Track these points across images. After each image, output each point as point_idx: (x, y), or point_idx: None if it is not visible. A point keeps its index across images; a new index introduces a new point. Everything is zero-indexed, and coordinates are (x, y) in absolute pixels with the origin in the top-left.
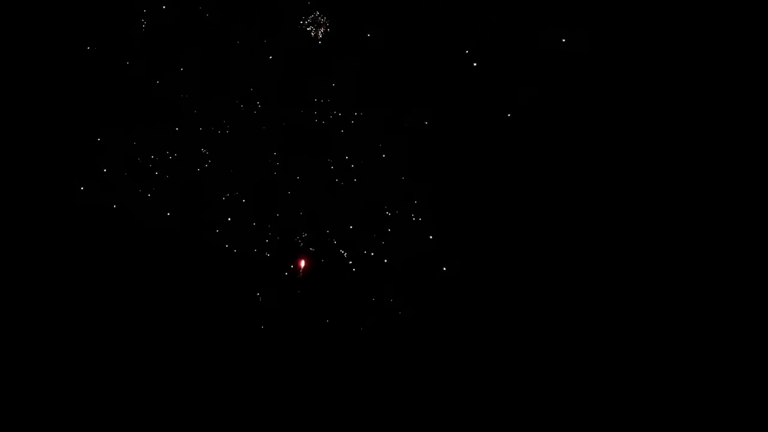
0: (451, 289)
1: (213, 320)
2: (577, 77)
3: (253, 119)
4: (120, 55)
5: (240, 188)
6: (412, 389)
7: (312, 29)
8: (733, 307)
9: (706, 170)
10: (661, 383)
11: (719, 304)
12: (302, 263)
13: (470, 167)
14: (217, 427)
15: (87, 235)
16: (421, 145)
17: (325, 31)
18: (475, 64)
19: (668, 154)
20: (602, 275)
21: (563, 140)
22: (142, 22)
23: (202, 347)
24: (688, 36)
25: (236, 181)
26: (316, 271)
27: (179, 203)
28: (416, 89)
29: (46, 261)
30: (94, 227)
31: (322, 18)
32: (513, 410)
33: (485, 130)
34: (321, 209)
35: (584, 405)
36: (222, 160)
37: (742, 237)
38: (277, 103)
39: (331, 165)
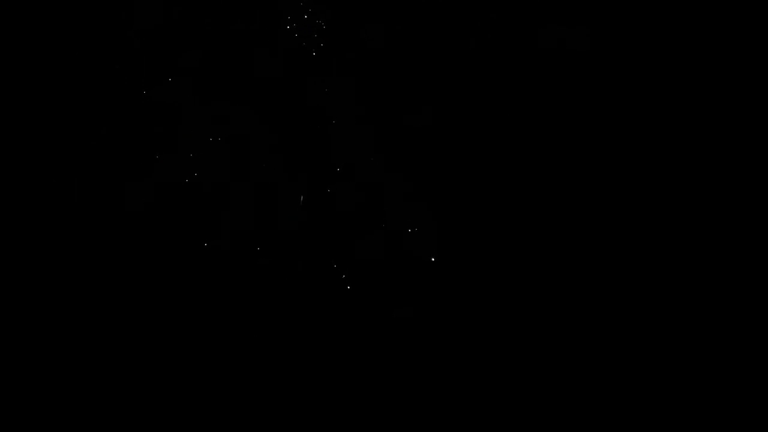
0: (449, 289)
1: (210, 322)
2: (577, 75)
3: (252, 119)
4: (119, 56)
5: (239, 188)
6: (410, 390)
7: (310, 28)
8: (733, 307)
9: (707, 169)
10: (661, 383)
11: (719, 304)
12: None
13: (471, 166)
14: (217, 427)
15: (86, 236)
16: (421, 145)
17: (323, 31)
18: (475, 63)
19: (669, 153)
20: (603, 275)
21: (564, 139)
22: (142, 23)
23: (200, 348)
24: (689, 34)
25: (235, 182)
26: (315, 272)
27: (178, 204)
28: (416, 88)
29: (46, 261)
30: (93, 227)
31: (320, 20)
32: (513, 410)
33: (485, 128)
34: (321, 209)
35: (584, 405)
36: (221, 161)
37: (742, 237)
38: (277, 103)
39: (331, 165)
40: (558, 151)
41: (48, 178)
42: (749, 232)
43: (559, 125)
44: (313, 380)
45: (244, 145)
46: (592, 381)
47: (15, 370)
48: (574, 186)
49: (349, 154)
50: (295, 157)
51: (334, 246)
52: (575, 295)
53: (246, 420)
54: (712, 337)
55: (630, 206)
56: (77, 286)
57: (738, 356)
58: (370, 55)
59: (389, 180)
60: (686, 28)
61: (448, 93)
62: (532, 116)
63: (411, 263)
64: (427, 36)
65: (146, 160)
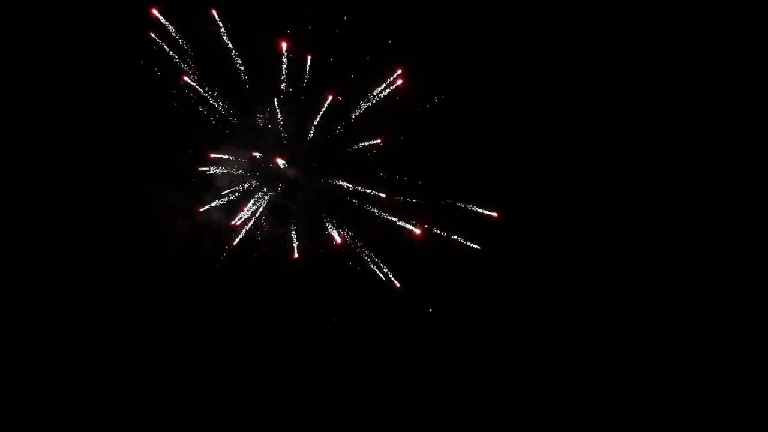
0: (447, 289)
1: (210, 320)
2: (577, 75)
3: (251, 119)
4: (119, 56)
5: (239, 187)
6: (408, 390)
7: (309, 30)
8: (733, 307)
9: (706, 168)
10: (661, 383)
11: (719, 304)
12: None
13: (471, 165)
14: (217, 427)
15: (87, 235)
16: (421, 144)
17: (323, 31)
18: (475, 63)
19: (668, 151)
20: (603, 274)
21: (564, 137)
22: (142, 23)
23: (200, 346)
24: (689, 34)
25: (236, 181)
26: (315, 272)
27: (178, 202)
28: (416, 88)
29: (46, 259)
30: (94, 227)
31: (320, 20)
32: (512, 410)
33: (486, 127)
34: (321, 208)
35: (584, 405)
36: (222, 159)
37: (742, 236)
38: (277, 103)
39: (332, 164)
40: (558, 149)
41: (48, 178)
42: (748, 230)
43: (559, 124)
44: (311, 379)
45: (244, 145)
46: (591, 379)
47: (15, 367)
48: (573, 183)
49: (349, 153)
50: (295, 156)
51: (331, 245)
52: (575, 295)
53: (246, 419)
54: (711, 336)
55: (629, 204)
56: (77, 283)
57: (737, 355)
58: (370, 55)
59: (389, 179)
60: (686, 28)
61: (447, 93)
62: (532, 115)
63: (410, 263)
64: (426, 36)
65: (146, 160)
